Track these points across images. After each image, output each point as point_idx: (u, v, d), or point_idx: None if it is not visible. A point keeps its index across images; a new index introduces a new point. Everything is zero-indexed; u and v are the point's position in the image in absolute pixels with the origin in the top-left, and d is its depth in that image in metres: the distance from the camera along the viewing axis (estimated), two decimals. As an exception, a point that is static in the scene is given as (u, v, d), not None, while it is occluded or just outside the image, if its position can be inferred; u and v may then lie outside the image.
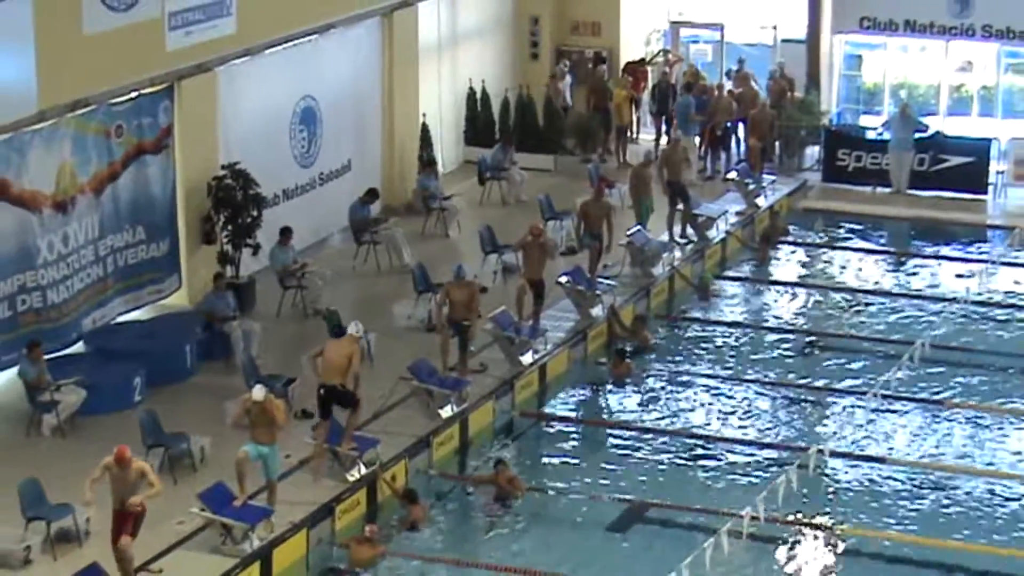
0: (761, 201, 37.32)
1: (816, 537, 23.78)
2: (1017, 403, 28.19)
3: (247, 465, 22.75)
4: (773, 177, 38.66)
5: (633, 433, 27.43)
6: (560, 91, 40.82)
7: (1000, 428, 27.43)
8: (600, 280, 31.50)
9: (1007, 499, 24.93)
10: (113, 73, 27.59)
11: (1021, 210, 37.41)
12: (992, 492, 25.14)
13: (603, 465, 26.20)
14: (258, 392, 22.66)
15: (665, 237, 34.18)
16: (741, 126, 40.05)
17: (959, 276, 34.34)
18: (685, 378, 29.49)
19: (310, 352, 25.07)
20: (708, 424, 27.74)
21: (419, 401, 26.48)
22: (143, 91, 28.64)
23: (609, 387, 29.13)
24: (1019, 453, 26.68)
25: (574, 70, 41.68)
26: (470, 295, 27.73)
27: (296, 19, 31.84)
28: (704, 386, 29.17)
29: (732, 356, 30.61)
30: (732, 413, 28.16)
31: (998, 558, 23.08)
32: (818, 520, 24.14)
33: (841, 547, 23.58)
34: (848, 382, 29.09)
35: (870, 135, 39.64)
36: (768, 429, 27.71)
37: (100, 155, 28.10)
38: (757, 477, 25.34)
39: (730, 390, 29.01)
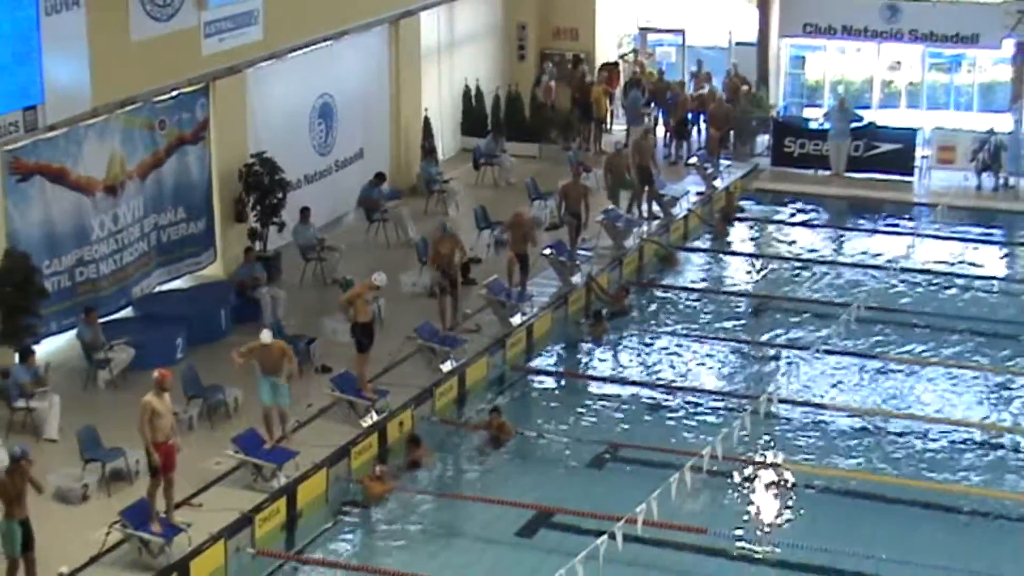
0: (718, 183, 37.38)
1: (766, 473, 23.92)
2: (941, 356, 28.30)
3: (273, 414, 22.99)
4: (728, 162, 38.75)
5: (608, 384, 27.62)
6: (550, 90, 40.85)
7: (926, 378, 27.53)
8: (579, 252, 31.58)
9: (933, 439, 25.05)
10: (156, 75, 27.58)
11: (943, 190, 37.47)
12: (920, 433, 25.25)
13: (582, 412, 26.30)
14: (265, 336, 23.06)
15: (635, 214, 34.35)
16: (701, 118, 40.16)
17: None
18: (653, 336, 29.62)
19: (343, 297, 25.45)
20: (673, 376, 27.83)
21: (423, 357, 26.68)
22: (182, 90, 28.67)
23: (587, 344, 29.24)
24: (942, 398, 26.80)
25: (556, 70, 41.69)
26: (452, 247, 28.01)
27: (314, 27, 31.80)
28: (669, 343, 29.26)
29: (693, 317, 30.67)
30: (693, 366, 28.30)
31: (925, 490, 23.23)
32: (768, 458, 24.31)
33: (787, 481, 23.73)
34: (793, 338, 29.23)
35: (812, 125, 39.63)
36: (724, 380, 27.86)
37: (145, 146, 28.16)
38: (715, 421, 25.46)
39: (692, 346, 29.09)
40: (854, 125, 38.33)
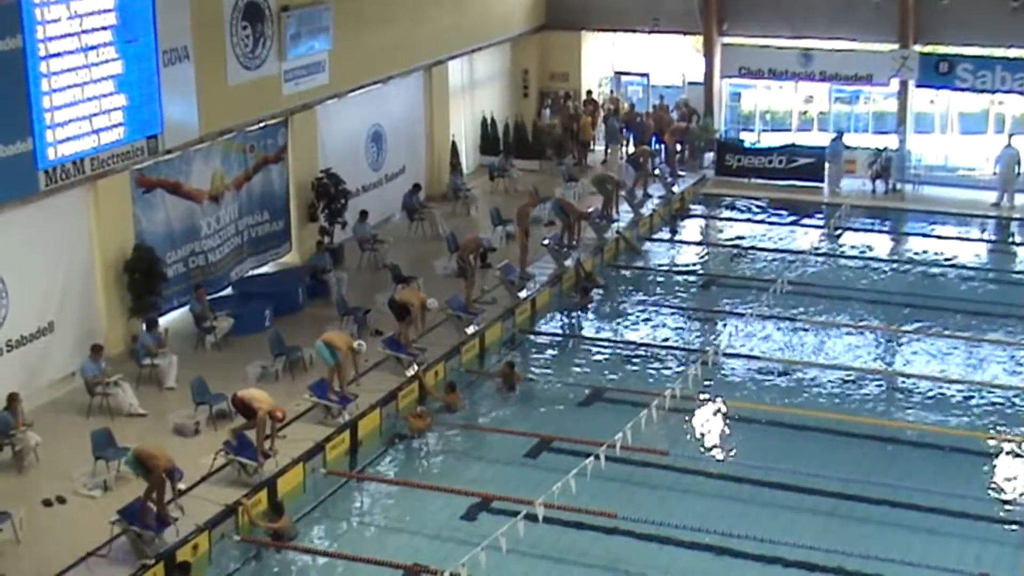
0: (675, 189, 37.30)
1: (714, 408, 23.97)
2: (845, 319, 28.29)
3: (332, 371, 22.87)
4: (683, 173, 38.58)
5: (593, 342, 27.60)
6: (547, 121, 40.69)
7: (836, 335, 27.53)
8: (573, 242, 31.52)
9: (844, 381, 25.10)
10: (248, 111, 27.61)
11: (846, 193, 37.31)
12: (832, 377, 25.31)
13: (574, 363, 26.33)
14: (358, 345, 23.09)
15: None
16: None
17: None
18: (626, 306, 29.57)
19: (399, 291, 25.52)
20: (642, 335, 27.77)
21: (452, 323, 26.69)
22: (268, 122, 28.66)
23: (577, 312, 29.19)
24: (848, 348, 26.81)
25: (551, 105, 41.60)
26: (468, 242, 28.13)
27: (368, 73, 31.75)
28: (638, 311, 29.17)
29: (656, 291, 30.59)
30: (657, 328, 28.25)
31: (833, 420, 23.28)
32: (714, 397, 24.33)
33: (729, 414, 23.80)
34: (733, 306, 29.20)
35: (747, 144, 39.50)
36: (681, 338, 27.78)
37: (239, 164, 28.13)
38: (674, 369, 25.47)
39: (655, 313, 29.00)
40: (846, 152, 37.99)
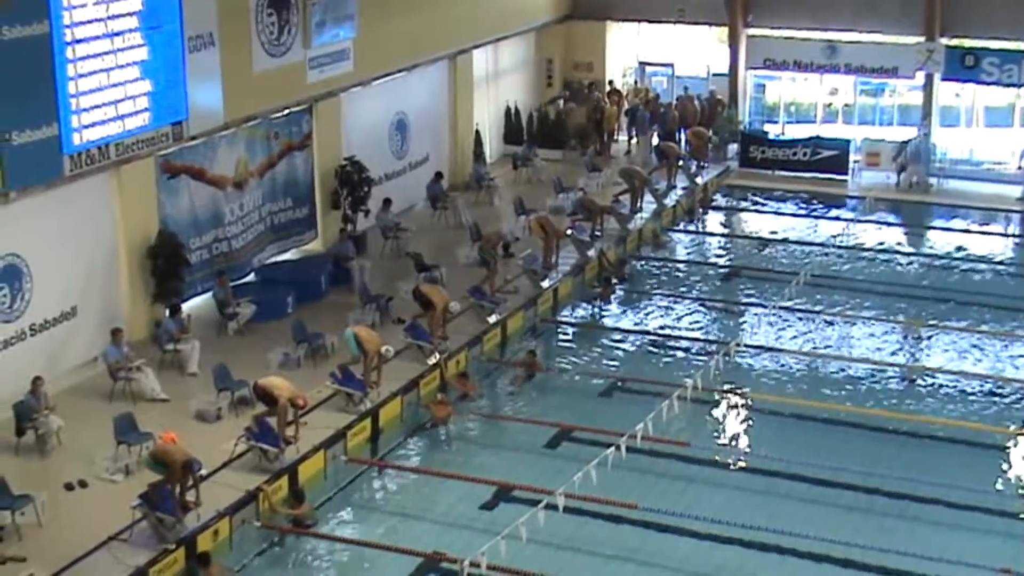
0: (699, 180, 37.22)
1: (734, 400, 23.93)
2: (866, 311, 28.20)
3: (356, 360, 22.85)
4: (706, 164, 38.56)
5: (614, 333, 27.49)
6: (569, 112, 40.56)
7: (858, 329, 27.43)
8: (596, 232, 31.52)
9: (864, 376, 25.00)
10: (272, 98, 27.62)
11: (870, 186, 37.21)
12: (854, 370, 25.22)
13: (595, 353, 26.25)
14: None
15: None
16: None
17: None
18: (648, 297, 29.52)
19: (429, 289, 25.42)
20: (663, 326, 27.72)
21: (475, 312, 26.68)
22: (292, 109, 28.66)
23: (598, 303, 29.18)
24: (871, 339, 26.72)
25: (574, 96, 41.53)
26: (490, 236, 28.22)
27: (392, 61, 31.75)
28: (660, 302, 29.15)
29: (679, 282, 30.55)
30: (679, 319, 28.21)
31: (853, 413, 23.23)
32: (735, 389, 24.28)
33: (750, 406, 23.75)
34: (755, 298, 29.13)
35: (771, 136, 39.43)
36: (702, 330, 27.73)
37: (264, 151, 28.14)
38: (696, 361, 25.38)
39: (677, 304, 28.96)
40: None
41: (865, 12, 38.28)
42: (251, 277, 27.74)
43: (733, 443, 22.47)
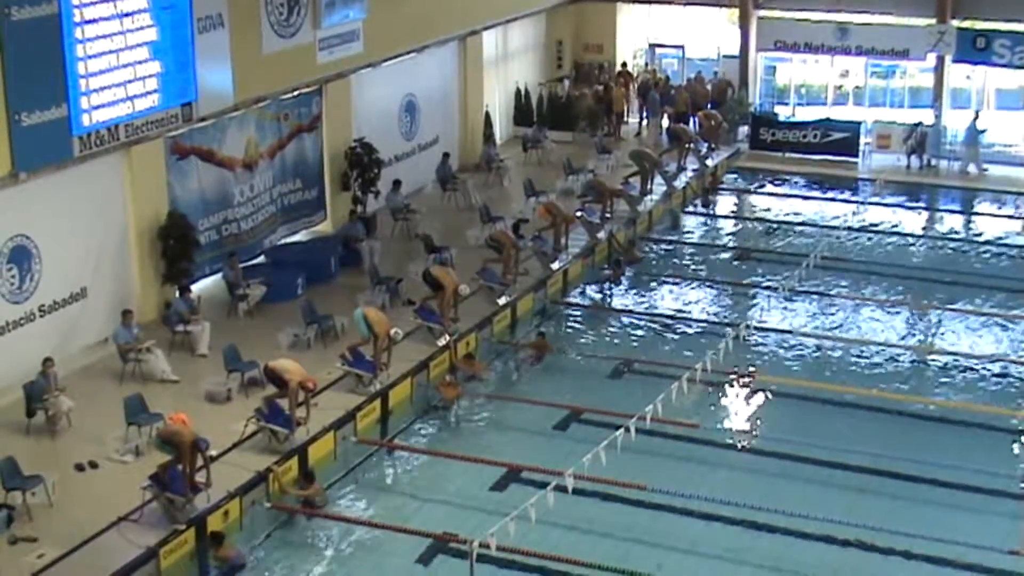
0: (709, 162, 37.10)
1: (744, 382, 23.82)
2: (876, 294, 28.13)
3: (365, 341, 22.83)
4: (717, 147, 38.34)
5: (624, 314, 27.42)
6: (579, 94, 40.42)
7: (868, 311, 27.36)
8: (606, 215, 31.46)
9: (873, 357, 24.94)
10: (282, 79, 27.55)
11: (880, 168, 37.11)
12: (861, 353, 25.14)
13: (605, 335, 26.23)
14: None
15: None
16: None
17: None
18: (658, 279, 29.46)
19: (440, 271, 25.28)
20: (673, 308, 27.69)
21: (484, 294, 26.61)
22: (302, 91, 28.59)
23: (608, 285, 29.11)
24: (879, 322, 26.69)
25: (584, 77, 41.40)
26: (500, 234, 27.92)
27: (402, 42, 31.68)
28: (670, 283, 29.12)
29: (689, 264, 30.50)
30: (689, 301, 28.15)
31: (862, 395, 23.15)
32: (745, 370, 24.15)
33: (760, 388, 23.62)
34: (765, 280, 29.05)
35: (781, 118, 39.31)
36: (712, 311, 27.70)
37: (273, 133, 28.10)
38: (705, 342, 25.19)
39: (687, 286, 28.94)
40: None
41: (876, -7, 38.23)
42: (261, 258, 27.70)
43: (743, 425, 22.41)
